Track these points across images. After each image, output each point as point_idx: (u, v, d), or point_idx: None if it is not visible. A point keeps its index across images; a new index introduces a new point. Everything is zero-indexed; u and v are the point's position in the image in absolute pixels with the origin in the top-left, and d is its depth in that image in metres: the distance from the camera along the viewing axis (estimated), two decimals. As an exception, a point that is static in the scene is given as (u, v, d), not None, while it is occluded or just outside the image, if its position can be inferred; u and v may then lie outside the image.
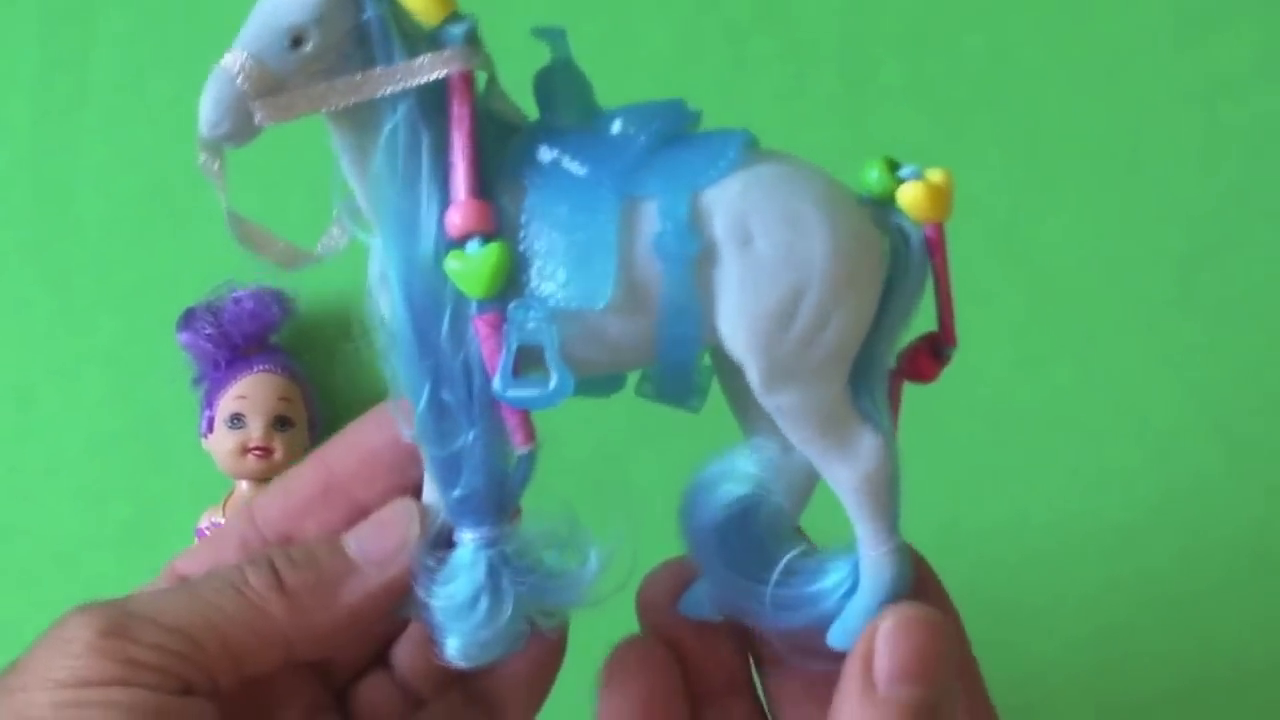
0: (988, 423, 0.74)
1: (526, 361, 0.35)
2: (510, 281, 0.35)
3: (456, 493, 0.37)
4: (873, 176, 0.36)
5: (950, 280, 0.37)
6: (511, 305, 0.35)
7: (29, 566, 0.75)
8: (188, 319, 0.72)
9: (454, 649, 0.38)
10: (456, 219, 0.35)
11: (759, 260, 0.35)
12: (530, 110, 0.37)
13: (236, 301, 0.72)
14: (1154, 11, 0.76)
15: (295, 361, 0.74)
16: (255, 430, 0.71)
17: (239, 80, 0.34)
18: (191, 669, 0.35)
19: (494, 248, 0.35)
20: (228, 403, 0.71)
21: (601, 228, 0.35)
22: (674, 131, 0.36)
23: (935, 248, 0.36)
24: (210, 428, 0.72)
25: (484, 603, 0.37)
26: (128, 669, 0.34)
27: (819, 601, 0.37)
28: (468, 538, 0.37)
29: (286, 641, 0.36)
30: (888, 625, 0.35)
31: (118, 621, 0.34)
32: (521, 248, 0.35)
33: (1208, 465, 0.74)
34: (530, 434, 0.37)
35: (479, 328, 0.35)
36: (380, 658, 0.42)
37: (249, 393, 0.71)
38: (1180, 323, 0.74)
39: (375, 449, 0.39)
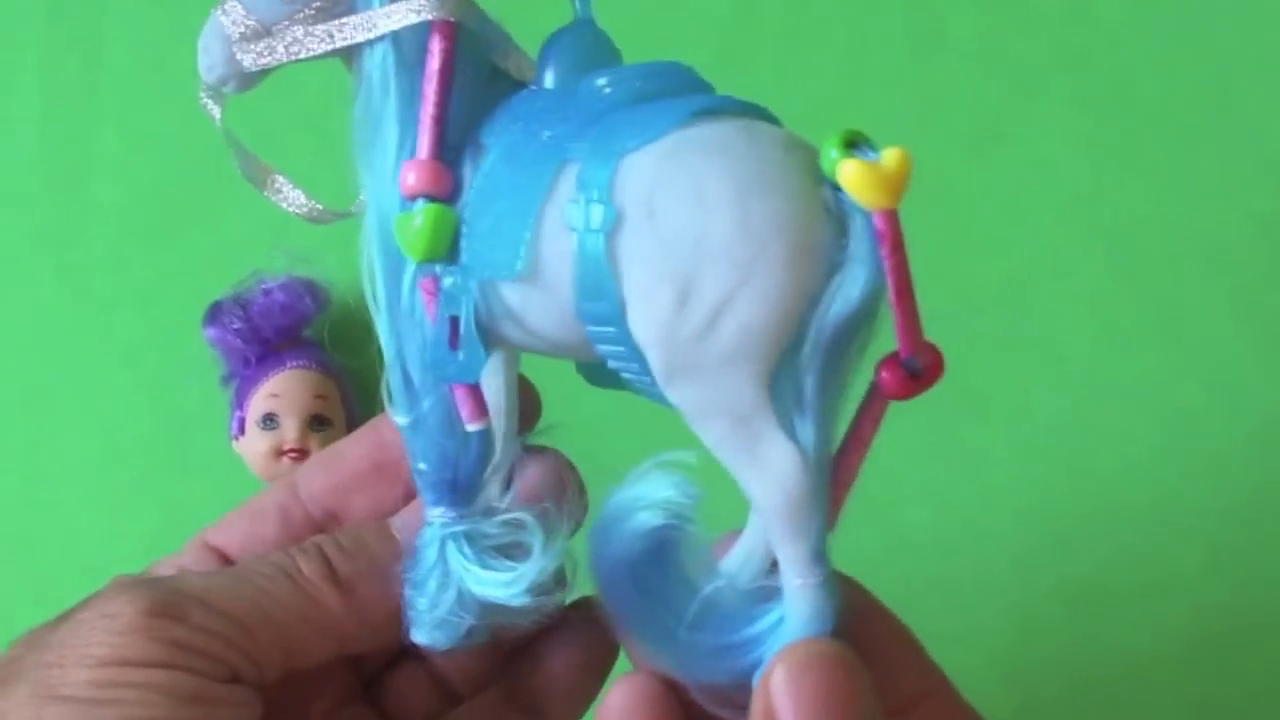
0: (1074, 401, 0.72)
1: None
2: (453, 248, 0.35)
3: (420, 465, 0.37)
4: (832, 154, 0.32)
5: (908, 278, 0.32)
6: (440, 269, 0.35)
7: (50, 578, 0.75)
8: (214, 313, 0.71)
9: (413, 626, 0.37)
10: (410, 178, 0.35)
11: (659, 236, 0.32)
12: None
13: (266, 293, 0.71)
14: (1240, -42, 0.74)
15: (331, 356, 0.72)
16: (290, 431, 0.70)
17: (227, 23, 0.35)
18: (240, 657, 0.34)
19: (431, 209, 0.34)
20: (260, 402, 0.70)
21: (528, 192, 0.34)
22: (656, 94, 0.34)
23: (883, 238, 0.32)
24: (241, 429, 0.71)
25: (432, 584, 0.37)
26: (173, 651, 0.33)
27: (750, 647, 0.34)
28: (433, 514, 0.37)
29: (342, 633, 0.36)
30: (781, 673, 0.31)
31: (167, 601, 0.34)
32: (467, 211, 0.35)
33: None
34: (478, 410, 0.36)
35: (421, 292, 0.35)
36: (414, 647, 0.40)
37: (282, 391, 0.70)
38: (1272, 292, 0.72)
39: None
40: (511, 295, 0.34)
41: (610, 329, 0.33)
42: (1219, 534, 0.71)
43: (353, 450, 0.40)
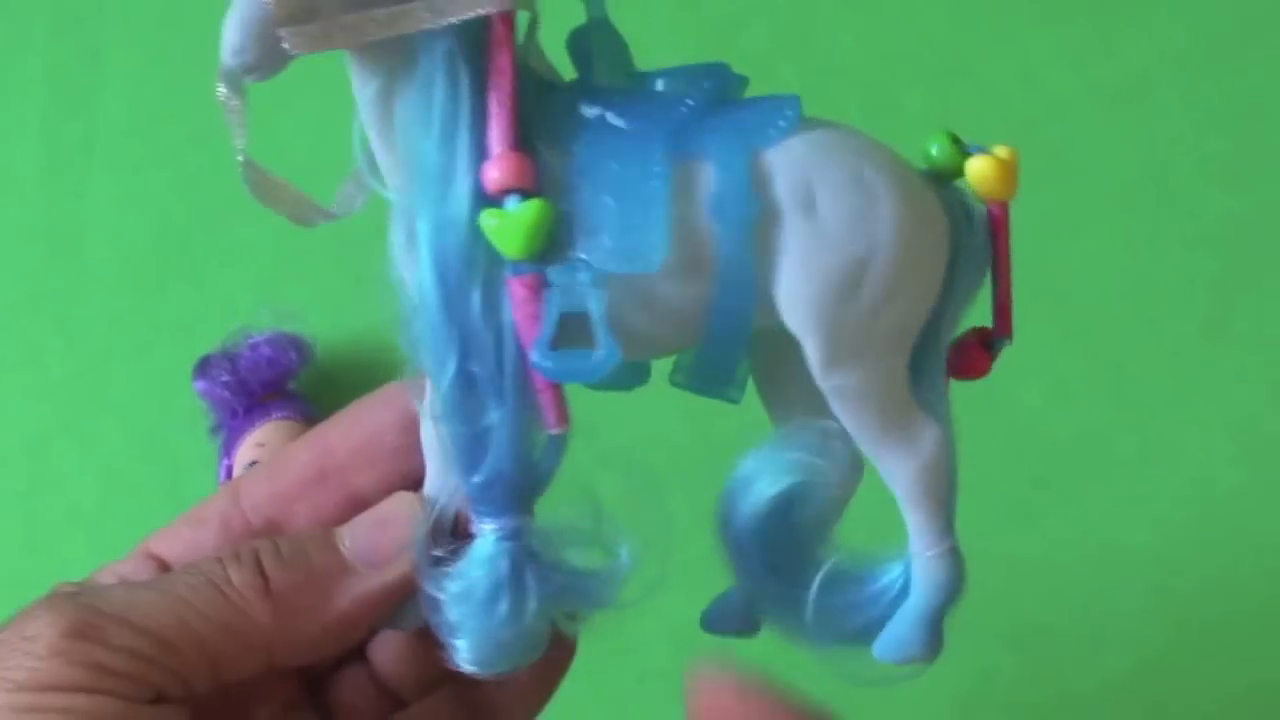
0: (1019, 455, 0.73)
1: (565, 334, 0.33)
2: (552, 243, 0.32)
3: (479, 478, 0.34)
4: (935, 150, 0.34)
5: (1011, 265, 0.35)
6: (554, 268, 0.32)
7: None
8: (204, 367, 0.72)
9: (467, 652, 0.35)
10: (495, 173, 0.32)
11: (823, 225, 0.32)
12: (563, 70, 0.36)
13: (253, 348, 0.72)
14: (1178, 34, 0.76)
15: (314, 408, 0.73)
16: None
17: (269, 3, 0.31)
18: (164, 675, 0.32)
19: (534, 204, 0.32)
20: (246, 451, 0.71)
21: (655, 186, 0.32)
22: (722, 93, 0.34)
23: (999, 227, 0.34)
24: (229, 477, 0.72)
25: (505, 600, 0.34)
26: (94, 675, 0.31)
27: (865, 609, 0.36)
28: (488, 528, 0.34)
29: (269, 647, 0.34)
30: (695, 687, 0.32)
31: (86, 621, 0.32)
32: (567, 207, 0.33)
33: (1243, 495, 0.73)
34: (564, 414, 0.34)
35: (515, 290, 0.32)
36: (359, 649, 0.39)
37: (268, 440, 0.71)
38: (1213, 350, 0.74)
39: (378, 430, 0.37)
40: (642, 288, 0.33)
41: (742, 319, 0.33)
42: (1159, 578, 0.72)
43: (298, 457, 0.37)
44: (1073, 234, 0.75)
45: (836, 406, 0.34)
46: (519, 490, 0.34)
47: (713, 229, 0.32)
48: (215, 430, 0.73)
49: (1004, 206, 0.34)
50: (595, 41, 0.35)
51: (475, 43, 0.32)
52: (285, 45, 0.31)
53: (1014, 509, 0.73)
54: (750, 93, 0.36)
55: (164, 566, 0.36)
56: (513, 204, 0.32)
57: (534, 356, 0.32)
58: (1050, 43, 0.76)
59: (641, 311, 0.33)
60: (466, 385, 0.33)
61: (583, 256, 0.32)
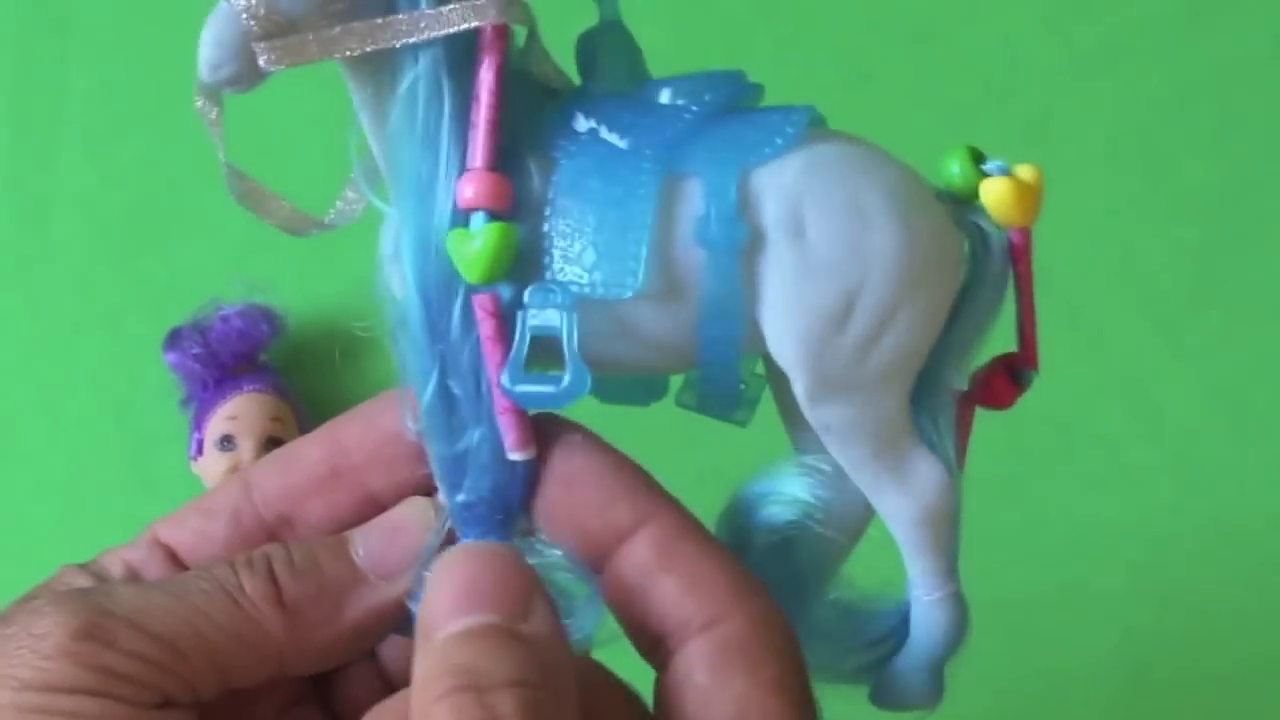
0: (1000, 427, 0.72)
1: (545, 355, 0.32)
2: (523, 264, 0.31)
3: (461, 497, 0.34)
4: (953, 169, 0.32)
5: (1034, 293, 0.33)
6: (529, 289, 0.31)
7: (15, 595, 0.74)
8: (174, 339, 0.72)
9: None
10: (467, 190, 0.31)
11: (812, 253, 0.31)
12: (572, 72, 0.35)
13: (224, 320, 0.71)
14: (1161, -1, 0.75)
15: (286, 380, 0.73)
16: (246, 452, 0.70)
17: (245, 18, 0.30)
18: (172, 681, 0.32)
19: (495, 228, 0.31)
20: (217, 424, 0.71)
21: (637, 206, 0.31)
22: (730, 104, 0.33)
23: (1020, 254, 0.33)
24: (200, 450, 0.71)
25: None
26: (102, 678, 0.31)
27: (862, 653, 0.35)
28: None
29: (281, 657, 0.34)
30: (436, 566, 0.32)
31: (96, 623, 0.32)
32: (546, 226, 0.32)
33: (1226, 463, 0.73)
34: (526, 438, 0.33)
35: (476, 310, 0.32)
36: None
37: (239, 413, 0.71)
38: (1195, 318, 0.74)
39: (394, 434, 0.35)
40: (619, 313, 0.32)
41: (730, 347, 0.32)
42: (1141, 553, 0.72)
43: (310, 454, 0.36)
44: (1052, 203, 0.72)
45: (826, 442, 0.33)
46: (501, 511, 0.34)
47: (696, 255, 0.31)
48: (186, 403, 0.73)
49: (1025, 233, 0.32)
50: (606, 46, 0.34)
51: (465, 49, 0.32)
52: (262, 61, 0.31)
53: (993, 482, 0.72)
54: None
55: (172, 555, 0.36)
56: (478, 224, 0.31)
57: (501, 380, 0.32)
58: (1029, 8, 0.75)
59: (620, 338, 0.32)
60: (447, 404, 0.33)
61: (559, 278, 0.31)
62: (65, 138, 0.77)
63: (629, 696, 0.33)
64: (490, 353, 0.32)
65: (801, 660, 0.32)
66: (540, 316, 0.31)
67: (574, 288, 0.31)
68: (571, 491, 0.33)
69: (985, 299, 0.33)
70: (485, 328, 0.32)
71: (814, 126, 0.32)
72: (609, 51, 0.34)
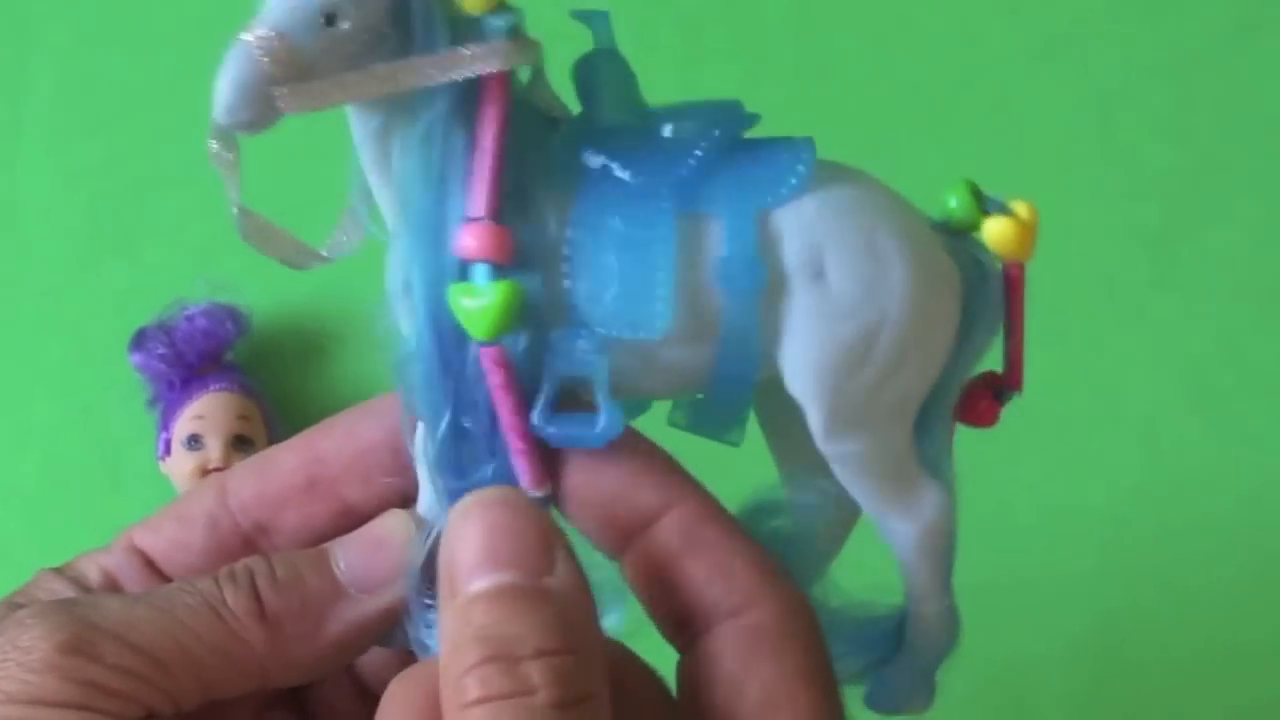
0: None
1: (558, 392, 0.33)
2: (541, 307, 0.32)
3: None
4: (953, 203, 0.34)
5: (1024, 321, 0.34)
6: (556, 334, 0.32)
7: None
8: (140, 339, 0.72)
9: None
10: (468, 240, 0.31)
11: (832, 295, 0.32)
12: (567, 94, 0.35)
13: (189, 319, 0.71)
14: (1120, -19, 0.75)
15: (252, 379, 0.73)
16: (214, 451, 0.70)
17: (265, 61, 0.30)
18: (156, 695, 0.32)
19: (502, 287, 0.31)
20: (184, 424, 0.71)
21: (659, 247, 0.31)
22: (735, 138, 0.33)
23: (1015, 286, 0.34)
24: (167, 450, 0.71)
25: None
26: (87, 692, 0.31)
27: (853, 659, 0.35)
28: None
29: (263, 671, 0.34)
30: (454, 511, 0.32)
31: (82, 637, 0.32)
32: (566, 267, 0.32)
33: (1190, 446, 0.73)
34: (542, 476, 0.33)
35: (483, 360, 0.32)
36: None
37: (206, 412, 0.71)
38: (1157, 301, 0.74)
39: (371, 446, 0.36)
40: (643, 352, 0.32)
41: (745, 379, 0.33)
42: (1110, 531, 0.72)
43: (286, 461, 0.37)
44: (1012, 187, 0.73)
45: (837, 471, 0.34)
46: None
47: (717, 294, 0.32)
48: (153, 403, 0.73)
49: (1020, 267, 0.34)
50: (601, 72, 0.34)
51: (472, 91, 0.32)
52: (281, 105, 0.30)
53: (960, 466, 0.72)
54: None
55: (148, 562, 0.36)
56: (483, 278, 0.31)
57: (534, 421, 0.32)
58: (987, -8, 0.75)
59: (642, 372, 0.33)
60: (459, 439, 0.33)
61: (586, 320, 0.32)
62: (27, 140, 0.76)
63: (653, 676, 0.34)
64: (502, 400, 0.32)
65: (826, 648, 0.32)
66: (569, 362, 0.32)
67: (602, 331, 0.32)
68: (597, 475, 0.33)
69: (983, 329, 0.34)
70: (495, 378, 0.32)
71: (817, 161, 0.33)
72: (606, 78, 0.34)
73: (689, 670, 0.33)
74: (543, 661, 0.29)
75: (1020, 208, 0.34)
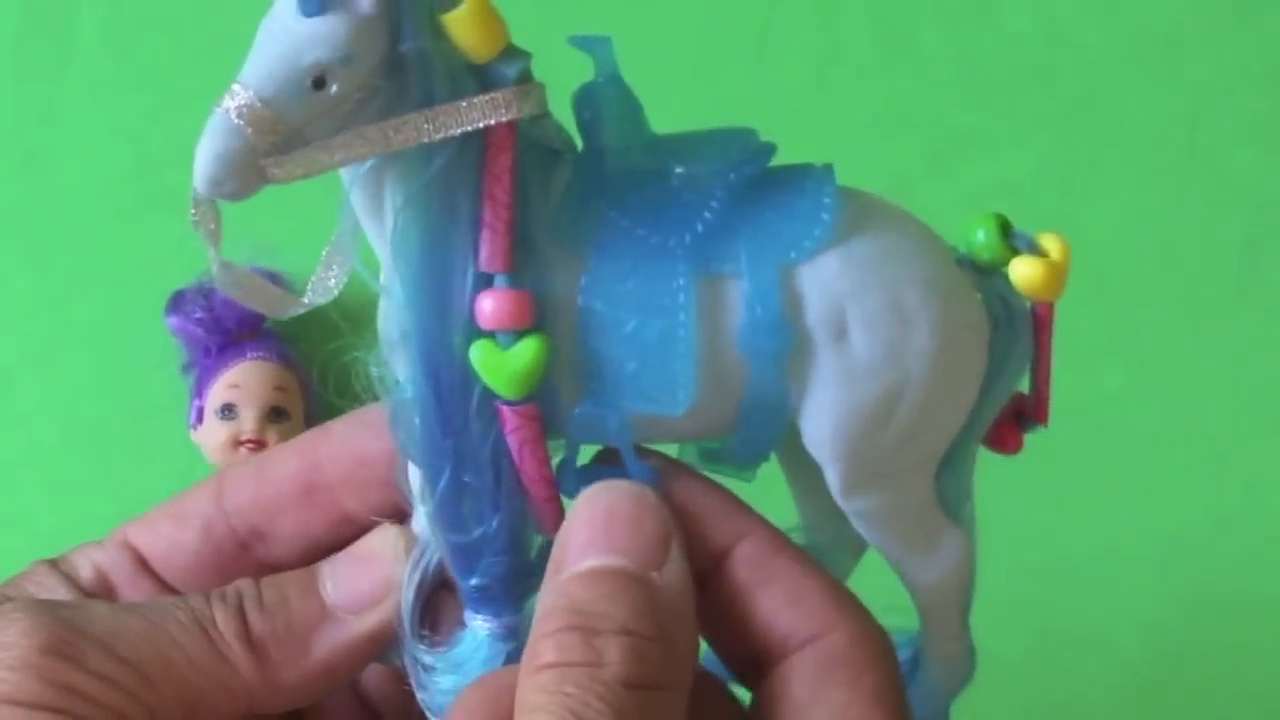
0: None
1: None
2: (552, 368, 0.31)
3: (475, 581, 0.33)
4: (980, 239, 0.32)
5: (1051, 357, 0.34)
6: (581, 406, 0.31)
7: (6, 562, 0.72)
8: (177, 302, 0.71)
9: (439, 710, 0.34)
10: (488, 308, 0.30)
11: (854, 356, 0.31)
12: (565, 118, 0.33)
13: None
14: (1212, -15, 0.74)
15: (292, 349, 0.72)
16: (248, 422, 0.70)
17: (249, 132, 0.28)
18: (136, 708, 0.31)
19: (532, 344, 0.30)
20: (219, 392, 0.70)
21: (680, 317, 0.31)
22: (748, 179, 0.32)
23: (1044, 326, 0.33)
24: (200, 418, 0.71)
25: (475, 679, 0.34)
26: (65, 696, 0.31)
27: None
28: (482, 626, 0.34)
29: (251, 696, 0.33)
30: (582, 495, 0.32)
31: (65, 639, 0.31)
32: (581, 334, 0.31)
33: (1270, 468, 0.72)
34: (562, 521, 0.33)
35: (509, 418, 0.31)
36: None
37: (242, 381, 0.70)
38: (1240, 315, 0.73)
39: (370, 458, 0.35)
40: (667, 420, 0.32)
41: (767, 435, 0.32)
42: (1170, 562, 0.72)
43: (284, 466, 0.36)
44: (1094, 190, 0.73)
45: (857, 525, 0.33)
46: (516, 591, 0.34)
47: (740, 357, 0.31)
48: (187, 369, 0.72)
49: (1050, 306, 0.33)
50: (605, 103, 0.32)
51: (474, 141, 0.30)
52: (271, 174, 0.29)
53: (1022, 483, 0.70)
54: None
55: (141, 561, 0.36)
56: (507, 341, 0.31)
57: (563, 483, 0.32)
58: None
59: (663, 434, 0.33)
60: (460, 493, 0.32)
61: (607, 392, 0.31)
62: (70, 87, 0.76)
63: (729, 692, 0.34)
64: (530, 455, 0.32)
65: (899, 675, 0.32)
66: (591, 434, 0.32)
67: (626, 405, 0.31)
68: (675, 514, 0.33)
69: (1011, 370, 0.33)
70: (525, 433, 0.31)
71: (839, 201, 0.32)
72: (610, 110, 0.32)
73: (761, 702, 0.33)
74: (624, 639, 0.29)
75: (1051, 244, 0.32)
